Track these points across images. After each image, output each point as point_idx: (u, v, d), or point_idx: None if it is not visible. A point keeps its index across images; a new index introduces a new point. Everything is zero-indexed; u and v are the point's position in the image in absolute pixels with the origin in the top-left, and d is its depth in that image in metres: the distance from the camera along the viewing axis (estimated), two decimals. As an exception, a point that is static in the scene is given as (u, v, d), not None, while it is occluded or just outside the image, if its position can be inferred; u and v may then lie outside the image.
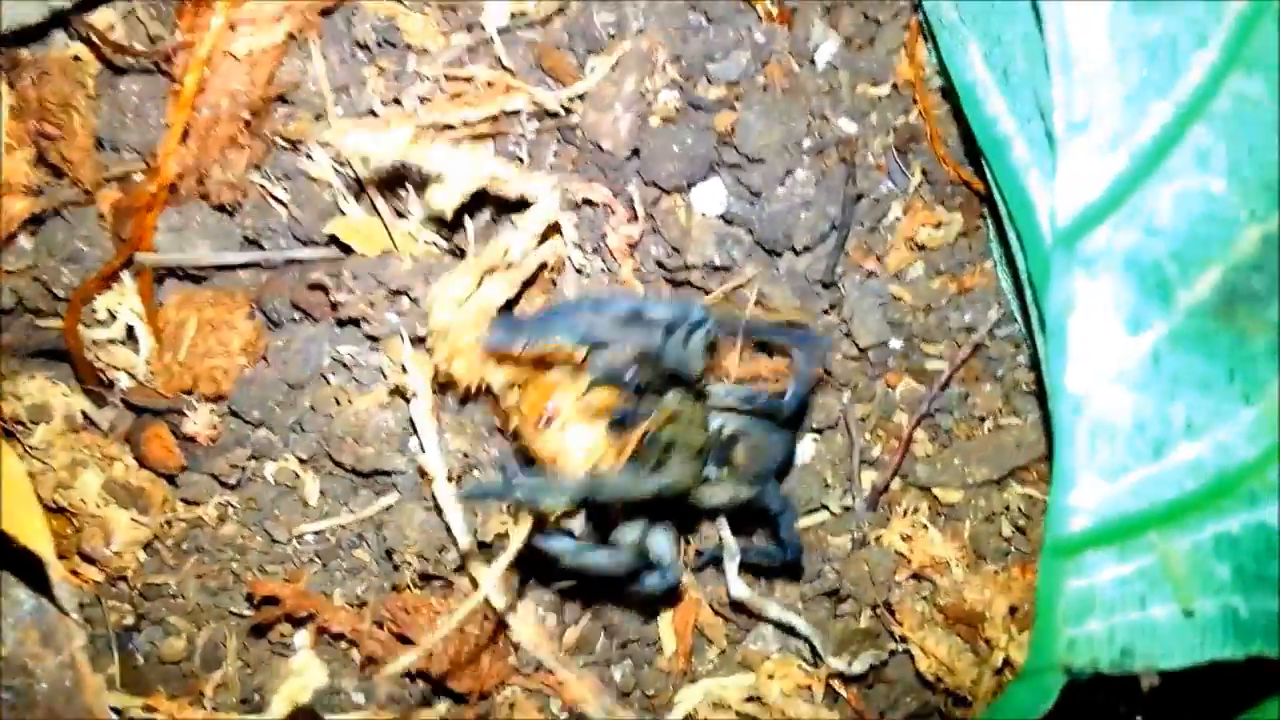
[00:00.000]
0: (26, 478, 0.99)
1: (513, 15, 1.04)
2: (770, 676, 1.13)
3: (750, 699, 1.14)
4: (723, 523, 1.14)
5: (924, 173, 1.15)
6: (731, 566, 1.12)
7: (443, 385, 1.06)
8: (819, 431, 1.21)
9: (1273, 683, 0.89)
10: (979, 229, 1.18)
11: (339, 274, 1.05)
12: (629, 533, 1.03)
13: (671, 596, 1.16)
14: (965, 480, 1.20)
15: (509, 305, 1.04)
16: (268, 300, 1.09)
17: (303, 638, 1.12)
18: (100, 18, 1.03)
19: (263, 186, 1.07)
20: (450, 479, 1.08)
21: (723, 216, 1.11)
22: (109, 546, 1.11)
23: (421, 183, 1.02)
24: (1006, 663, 1.12)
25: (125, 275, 1.09)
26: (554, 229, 1.04)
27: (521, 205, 1.02)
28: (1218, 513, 0.81)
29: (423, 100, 1.05)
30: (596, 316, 0.93)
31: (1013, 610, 1.14)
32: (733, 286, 1.11)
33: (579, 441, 0.94)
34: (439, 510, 1.07)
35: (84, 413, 1.12)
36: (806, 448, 1.20)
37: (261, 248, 1.09)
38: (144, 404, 1.10)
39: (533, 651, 1.13)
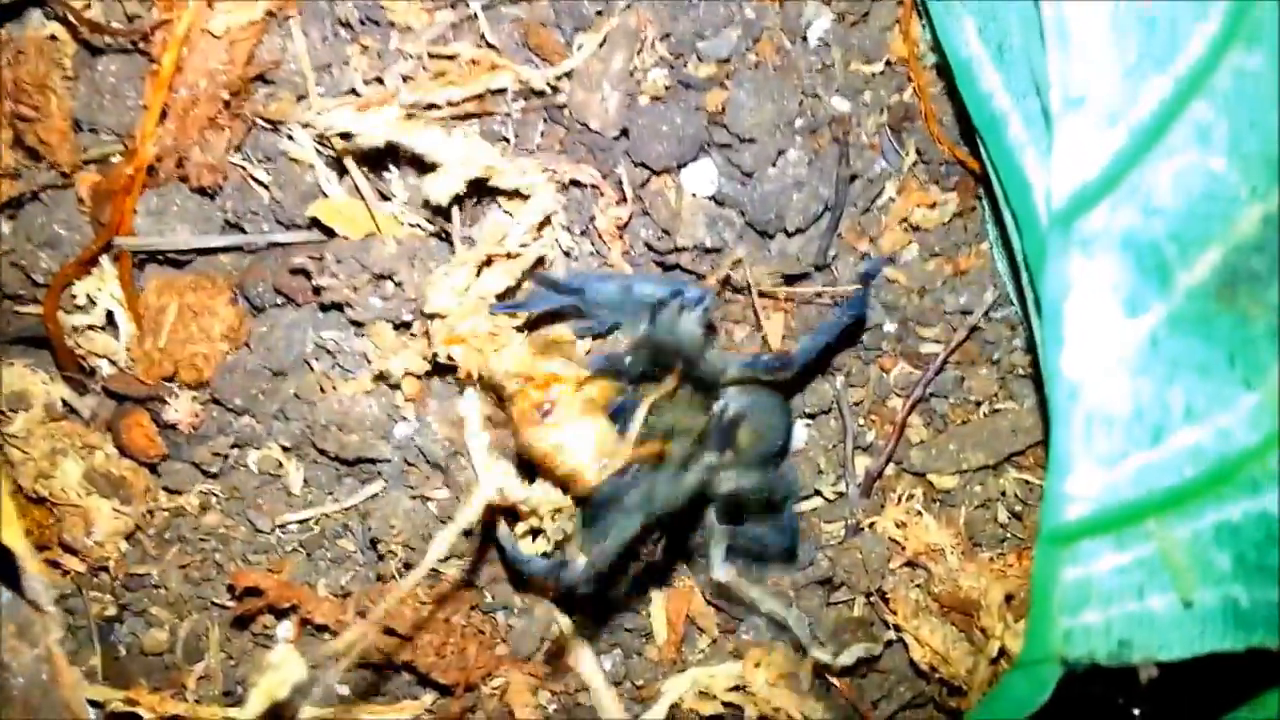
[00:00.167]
0: (-1, 469, 0.98)
1: (498, -9, 1.02)
2: (756, 665, 1.11)
3: (736, 688, 1.12)
4: (710, 510, 1.12)
5: (918, 152, 1.14)
6: (717, 552, 1.10)
7: (432, 371, 1.05)
8: (812, 417, 1.20)
9: (1273, 675, 0.88)
10: (974, 209, 1.17)
11: (321, 257, 1.03)
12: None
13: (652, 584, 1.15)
14: (960, 466, 1.19)
15: (507, 294, 1.02)
16: (250, 285, 1.07)
17: (286, 629, 1.11)
18: (77, -5, 1.01)
19: (243, 168, 1.05)
20: (436, 467, 1.06)
21: (713, 198, 1.10)
22: (90, 537, 1.11)
23: (408, 164, 1.00)
24: (1002, 652, 1.11)
25: (105, 260, 1.07)
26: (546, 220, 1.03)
27: (516, 192, 1.01)
28: (1218, 500, 0.79)
29: (406, 79, 1.03)
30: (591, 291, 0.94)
31: (1009, 599, 1.13)
32: (724, 269, 1.09)
33: (577, 436, 0.92)
34: (425, 500, 1.06)
35: (64, 400, 1.11)
36: (800, 433, 1.19)
37: (243, 231, 1.07)
38: (124, 391, 1.09)
39: (521, 642, 1.11)
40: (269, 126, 1.04)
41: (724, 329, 1.15)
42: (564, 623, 1.12)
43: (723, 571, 1.11)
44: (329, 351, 1.07)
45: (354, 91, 1.03)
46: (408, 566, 1.09)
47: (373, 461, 1.08)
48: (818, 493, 1.20)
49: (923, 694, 1.20)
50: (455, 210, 1.04)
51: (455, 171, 0.96)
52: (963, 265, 1.17)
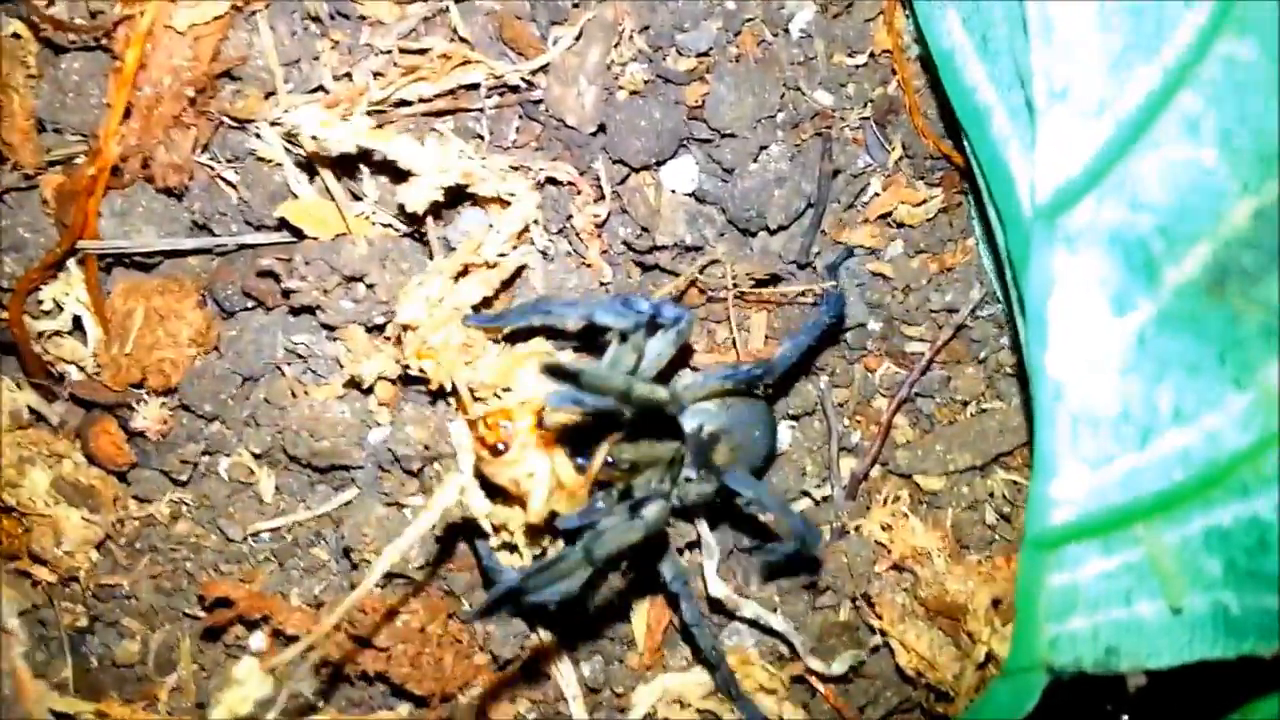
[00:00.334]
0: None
1: (471, -17, 1.00)
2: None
3: (711, 695, 1.10)
4: (702, 522, 1.12)
5: (903, 146, 1.13)
6: (710, 565, 1.09)
7: (404, 379, 1.03)
8: (796, 418, 1.18)
9: (1264, 682, 0.86)
10: (960, 205, 1.16)
11: (291, 259, 1.01)
12: None
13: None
14: (947, 467, 1.18)
15: (483, 304, 1.01)
16: (218, 288, 1.05)
17: (259, 640, 1.09)
18: (39, -8, 0.99)
19: (210, 168, 1.03)
20: (410, 473, 1.04)
21: (693, 194, 1.09)
22: (60, 546, 1.09)
23: (381, 168, 0.98)
24: (990, 657, 1.10)
25: (71, 263, 1.05)
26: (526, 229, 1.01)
27: (496, 198, 1.00)
28: (1207, 504, 0.77)
29: (376, 75, 1.01)
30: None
31: (996, 602, 1.12)
32: (702, 266, 1.07)
33: (535, 469, 0.90)
34: (399, 507, 1.03)
35: (31, 408, 1.09)
36: (784, 435, 1.17)
37: (211, 232, 1.05)
38: (92, 398, 1.07)
39: (499, 649, 1.09)
40: (236, 125, 1.02)
41: (705, 329, 1.13)
42: (543, 631, 1.10)
43: (716, 586, 1.09)
44: (300, 356, 1.05)
45: (323, 88, 1.01)
46: (382, 575, 1.07)
47: (345, 468, 1.06)
48: (804, 494, 1.19)
49: (909, 700, 1.19)
50: (430, 219, 1.02)
51: (431, 179, 0.95)
52: (948, 262, 1.16)
